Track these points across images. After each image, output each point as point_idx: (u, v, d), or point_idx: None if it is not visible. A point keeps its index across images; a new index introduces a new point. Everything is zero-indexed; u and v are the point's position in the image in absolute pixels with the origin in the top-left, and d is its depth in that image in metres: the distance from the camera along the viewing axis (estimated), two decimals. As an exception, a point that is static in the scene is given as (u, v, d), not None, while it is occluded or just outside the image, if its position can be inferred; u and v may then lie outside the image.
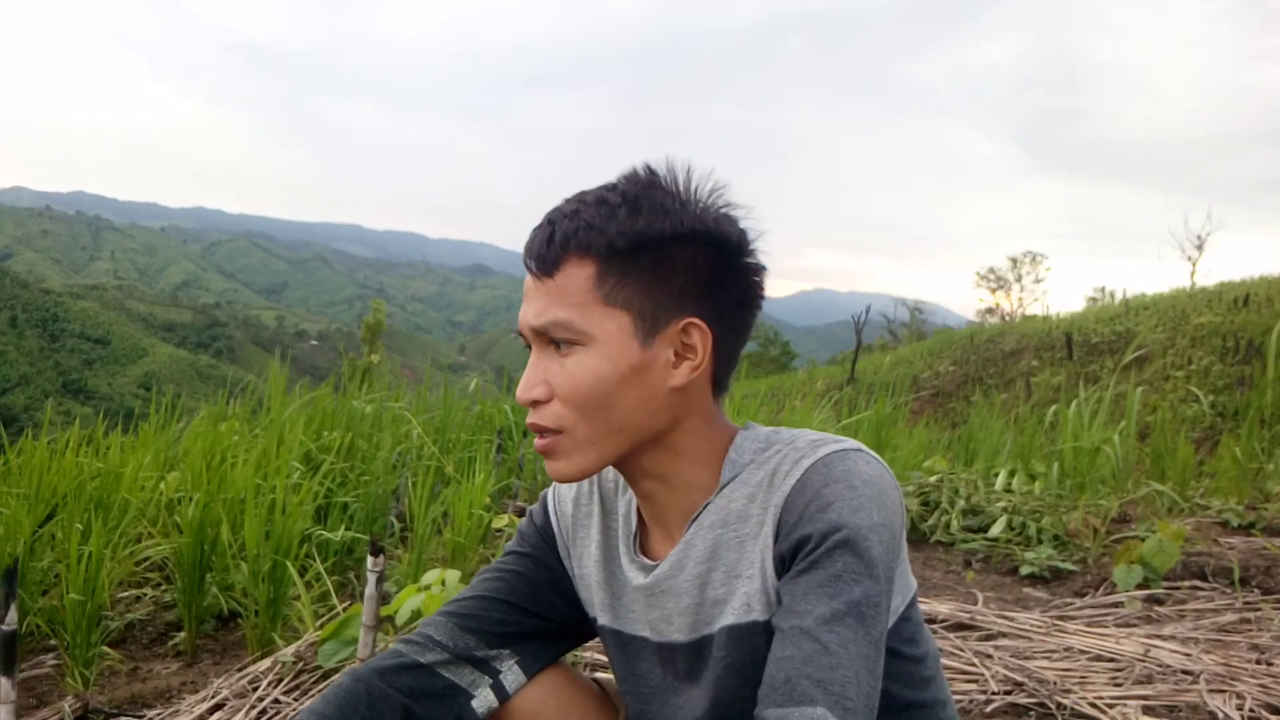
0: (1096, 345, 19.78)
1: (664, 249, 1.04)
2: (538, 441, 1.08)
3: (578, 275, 1.03)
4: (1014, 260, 44.05)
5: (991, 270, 44.66)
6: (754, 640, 1.04)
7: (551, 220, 1.05)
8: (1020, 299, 43.11)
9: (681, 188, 1.06)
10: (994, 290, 44.11)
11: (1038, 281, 43.51)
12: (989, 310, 43.17)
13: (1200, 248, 33.77)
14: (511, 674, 1.20)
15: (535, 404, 1.06)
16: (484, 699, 1.19)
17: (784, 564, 1.01)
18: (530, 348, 1.08)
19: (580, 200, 1.06)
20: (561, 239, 1.03)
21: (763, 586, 1.04)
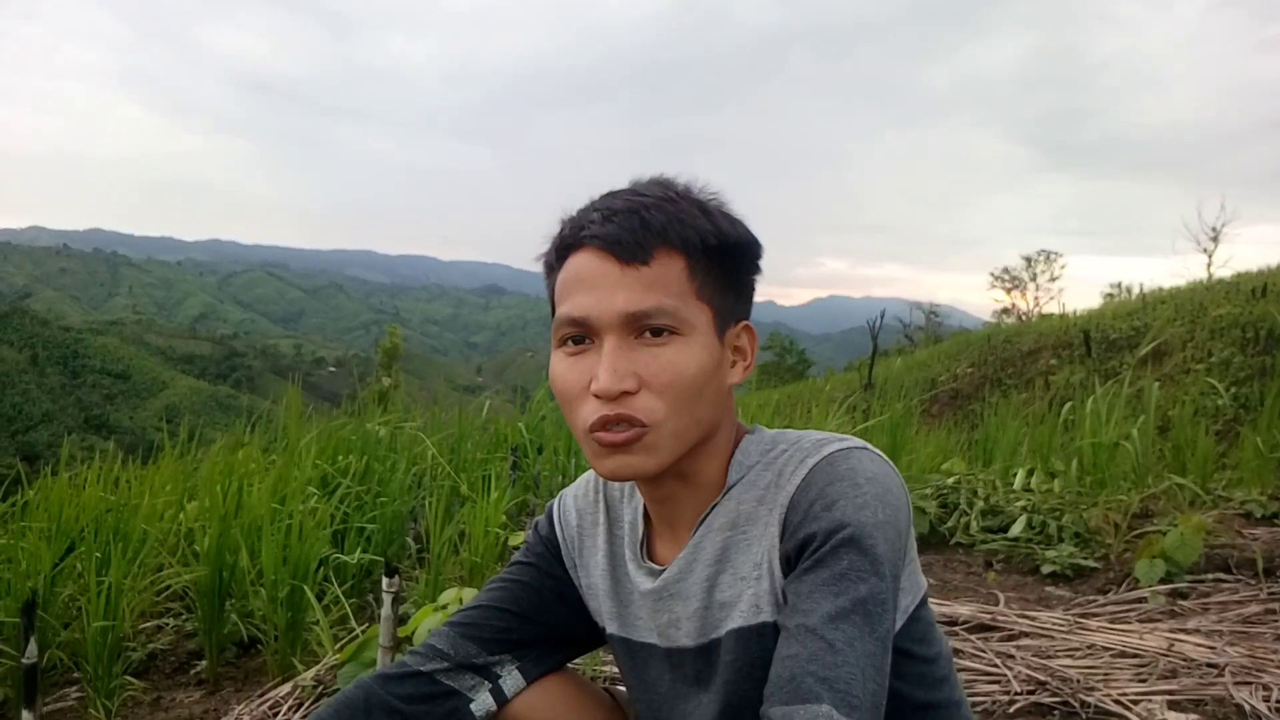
0: (1115, 341, 19.64)
1: (732, 252, 1.07)
2: (617, 435, 1.00)
3: (673, 266, 1.02)
4: (1028, 260, 43.83)
5: (1006, 271, 44.45)
6: (763, 642, 1.04)
7: (634, 210, 1.03)
8: (1036, 298, 42.88)
9: (716, 199, 1.10)
10: (1009, 290, 43.89)
11: (1053, 280, 43.27)
12: (1005, 311, 42.95)
13: (1215, 239, 33.53)
14: (511, 678, 1.21)
15: (622, 395, 1.00)
16: (482, 702, 1.19)
17: (789, 563, 1.00)
18: (579, 340, 1.04)
19: (643, 195, 1.05)
20: (659, 228, 1.02)
21: (771, 587, 1.04)
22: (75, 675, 2.82)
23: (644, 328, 1.01)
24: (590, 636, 1.26)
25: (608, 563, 1.21)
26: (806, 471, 1.03)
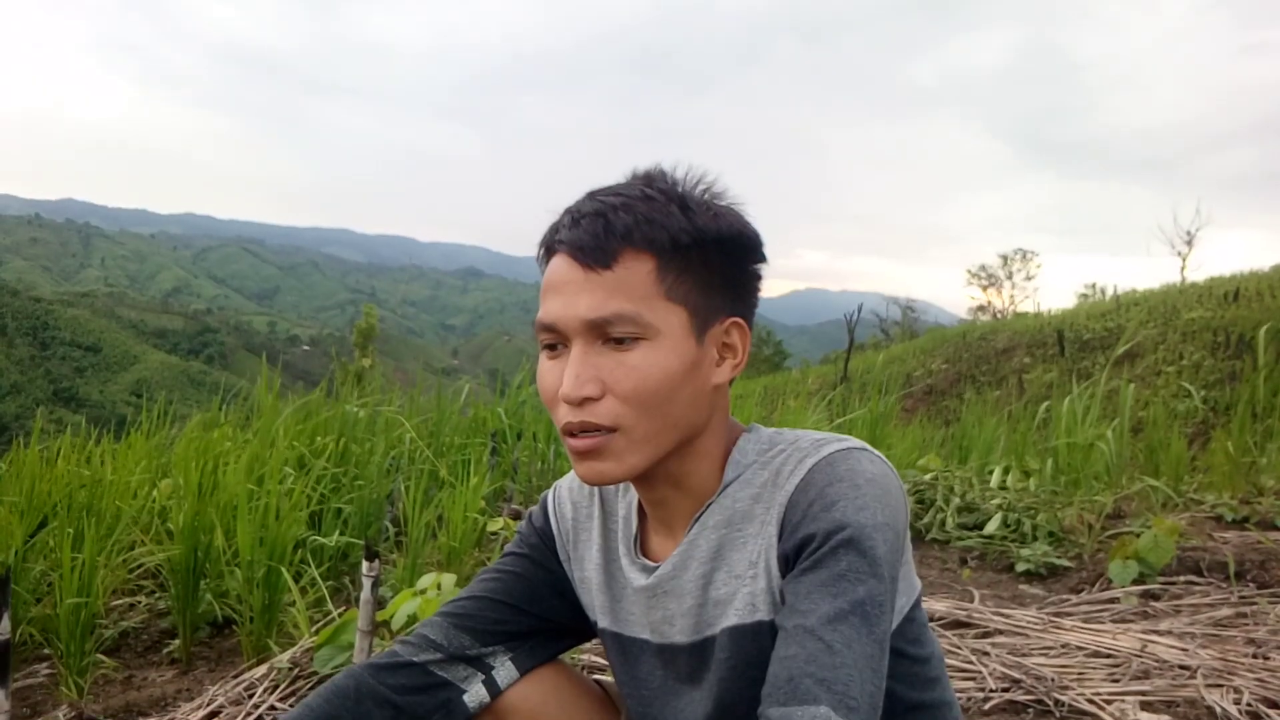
0: (1088, 342, 19.87)
1: (714, 248, 1.05)
2: (582, 442, 1.01)
3: (639, 269, 1.01)
4: (1005, 258, 44.20)
5: (983, 268, 44.80)
6: (759, 641, 1.03)
7: (600, 212, 1.01)
8: (1012, 296, 43.27)
9: (711, 190, 1.08)
10: (985, 288, 44.25)
11: (1029, 278, 43.68)
12: (980, 308, 43.29)
13: (1190, 243, 33.93)
14: (504, 670, 1.20)
15: (585, 401, 1.00)
16: (475, 693, 1.18)
17: (788, 563, 1.00)
18: (554, 346, 1.04)
19: (617, 195, 1.04)
20: (623, 231, 1.00)
21: (767, 586, 1.03)
22: (46, 652, 2.79)
23: (607, 334, 1.00)
24: (584, 629, 1.26)
25: (601, 557, 1.20)
26: (805, 471, 1.03)
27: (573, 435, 1.02)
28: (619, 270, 1.00)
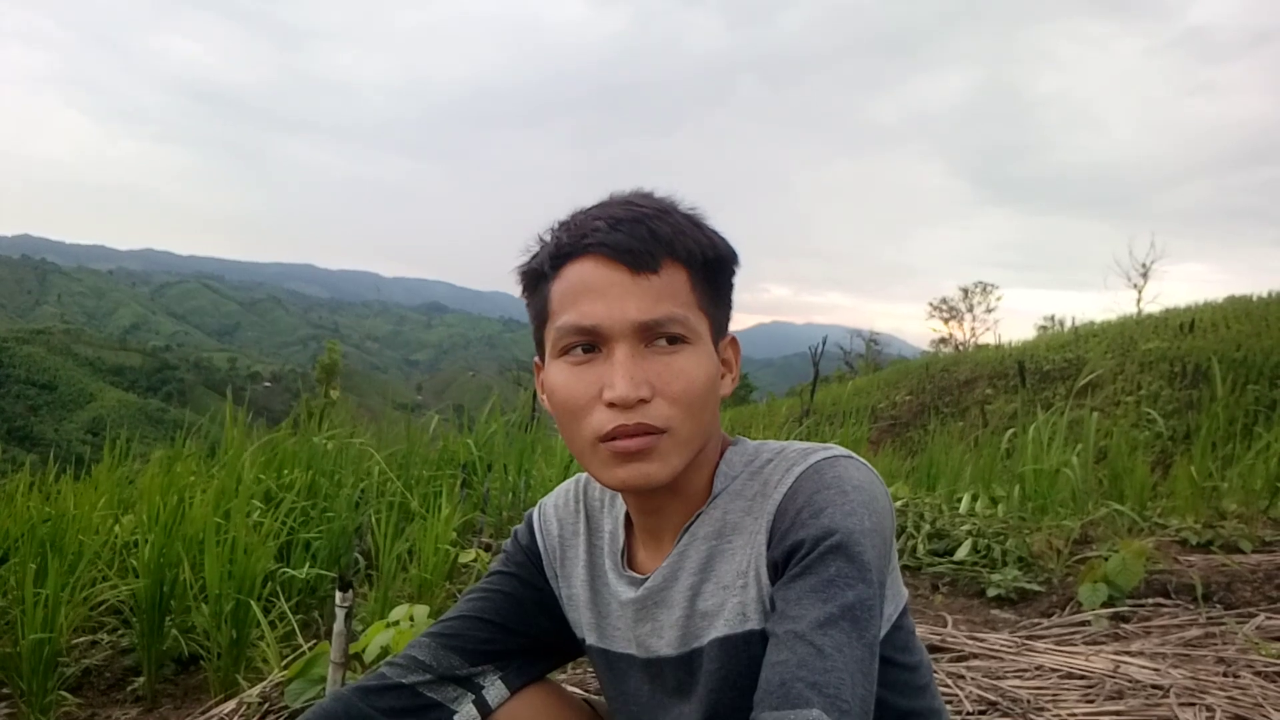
0: (1048, 373, 20.15)
1: (721, 266, 1.08)
2: (634, 441, 1.00)
3: (678, 277, 1.03)
4: (966, 291, 44.83)
5: (944, 301, 45.40)
6: (750, 650, 1.03)
7: (639, 219, 1.02)
8: (972, 329, 43.82)
9: (697, 213, 1.10)
10: (947, 320, 44.80)
11: (989, 311, 44.30)
12: (942, 340, 43.80)
13: (1145, 276, 34.62)
14: (494, 689, 1.19)
15: (638, 403, 1.00)
16: (466, 714, 1.17)
17: (777, 570, 1.00)
18: (590, 348, 1.02)
19: (639, 206, 1.05)
20: (666, 239, 1.02)
21: (758, 595, 1.04)
22: (5, 690, 2.71)
23: (657, 336, 1.01)
24: (572, 647, 1.25)
25: (588, 573, 1.20)
26: (794, 480, 1.04)
27: (616, 438, 1.01)
28: (664, 276, 1.02)
